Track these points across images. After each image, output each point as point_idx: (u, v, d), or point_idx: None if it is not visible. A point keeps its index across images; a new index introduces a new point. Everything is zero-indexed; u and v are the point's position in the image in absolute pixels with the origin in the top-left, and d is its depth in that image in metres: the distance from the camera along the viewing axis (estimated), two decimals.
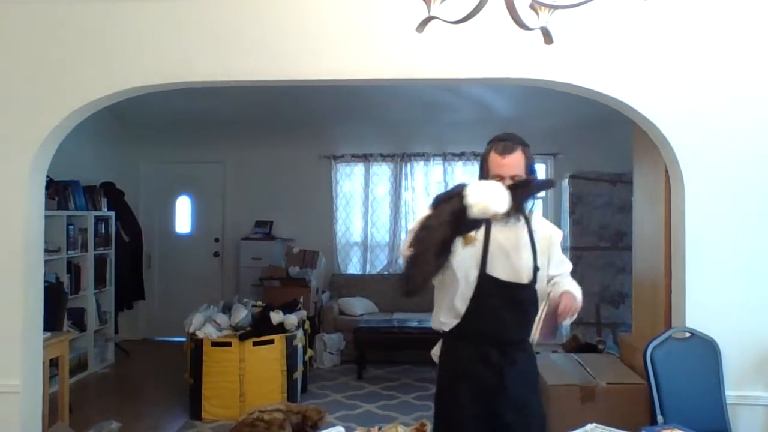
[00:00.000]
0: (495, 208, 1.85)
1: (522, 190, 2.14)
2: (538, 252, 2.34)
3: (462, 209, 1.84)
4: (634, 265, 4.15)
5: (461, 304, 2.32)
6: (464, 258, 2.26)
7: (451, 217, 1.85)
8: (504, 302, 2.29)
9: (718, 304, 3.13)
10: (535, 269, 2.32)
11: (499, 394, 2.29)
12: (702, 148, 3.16)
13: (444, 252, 1.93)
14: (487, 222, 2.20)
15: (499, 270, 2.29)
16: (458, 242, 2.12)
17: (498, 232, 2.30)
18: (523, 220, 2.33)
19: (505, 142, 2.33)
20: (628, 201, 4.24)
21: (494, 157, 2.31)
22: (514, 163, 2.29)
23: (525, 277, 2.31)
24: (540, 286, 2.35)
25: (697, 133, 3.16)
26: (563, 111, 6.67)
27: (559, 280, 2.40)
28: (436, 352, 2.46)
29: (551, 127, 7.19)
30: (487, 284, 2.28)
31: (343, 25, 3.22)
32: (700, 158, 3.16)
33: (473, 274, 2.29)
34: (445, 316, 2.39)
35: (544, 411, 2.47)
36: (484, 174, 2.34)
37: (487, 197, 1.85)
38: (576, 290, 2.34)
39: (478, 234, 2.24)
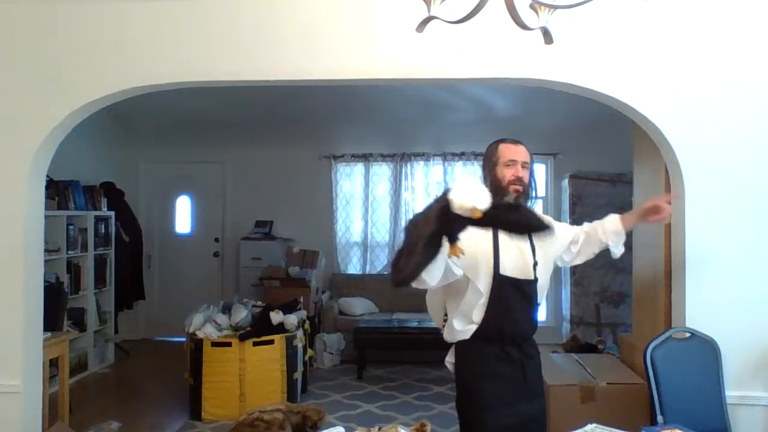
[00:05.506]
0: (473, 203, 1.90)
1: (508, 212, 2.17)
2: (536, 248, 2.41)
3: (446, 205, 1.91)
4: (634, 265, 4.15)
5: (473, 309, 2.35)
6: (474, 265, 2.31)
7: (437, 212, 1.93)
8: (518, 300, 2.36)
9: (718, 304, 3.12)
10: (534, 264, 2.39)
11: (521, 389, 2.37)
12: (702, 148, 3.15)
13: (434, 244, 1.98)
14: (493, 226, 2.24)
15: (509, 269, 2.35)
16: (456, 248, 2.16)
17: (503, 233, 2.35)
18: None
19: (512, 139, 2.52)
20: (628, 201, 4.23)
21: (506, 146, 2.47)
22: (524, 151, 2.46)
23: (531, 273, 2.39)
24: (540, 281, 2.43)
25: (697, 133, 3.15)
26: (563, 111, 6.67)
27: (586, 228, 2.71)
28: (450, 359, 2.46)
29: (551, 127, 7.18)
30: (502, 285, 2.33)
31: (343, 25, 3.22)
32: (700, 158, 3.15)
33: (487, 278, 2.33)
34: (460, 324, 2.39)
35: None
36: (491, 167, 2.45)
37: (468, 193, 1.92)
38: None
39: (484, 241, 2.30)
